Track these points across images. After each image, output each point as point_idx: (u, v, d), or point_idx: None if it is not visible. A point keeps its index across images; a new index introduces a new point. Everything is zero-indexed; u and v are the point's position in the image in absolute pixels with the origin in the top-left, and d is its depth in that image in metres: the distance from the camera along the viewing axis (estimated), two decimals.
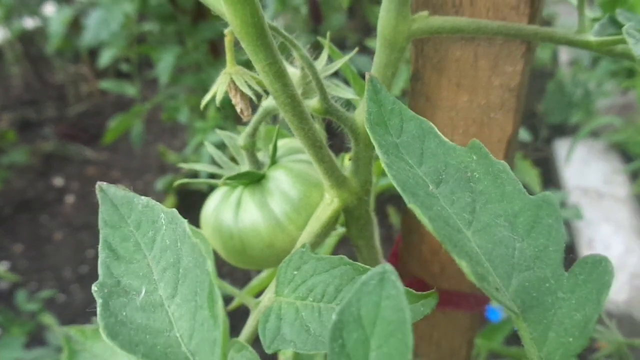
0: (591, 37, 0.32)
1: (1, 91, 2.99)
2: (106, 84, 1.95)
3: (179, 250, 0.24)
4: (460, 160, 0.28)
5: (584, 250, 1.67)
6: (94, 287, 0.25)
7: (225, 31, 0.33)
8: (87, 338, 0.46)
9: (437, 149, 0.28)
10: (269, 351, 0.30)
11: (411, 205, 0.24)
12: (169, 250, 0.25)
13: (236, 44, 0.35)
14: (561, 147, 2.07)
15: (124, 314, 0.24)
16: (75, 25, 2.19)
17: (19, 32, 2.62)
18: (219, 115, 1.79)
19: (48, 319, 1.25)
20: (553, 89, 2.11)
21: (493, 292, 0.24)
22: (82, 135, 2.64)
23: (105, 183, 0.28)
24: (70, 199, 2.33)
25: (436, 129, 0.29)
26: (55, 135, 2.63)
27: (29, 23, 2.71)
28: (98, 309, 0.23)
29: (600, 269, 0.23)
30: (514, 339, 1.00)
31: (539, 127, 2.25)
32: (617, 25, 0.33)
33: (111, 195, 0.27)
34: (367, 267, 0.29)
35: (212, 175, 0.45)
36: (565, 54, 2.42)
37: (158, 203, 0.26)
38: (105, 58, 1.87)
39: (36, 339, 1.66)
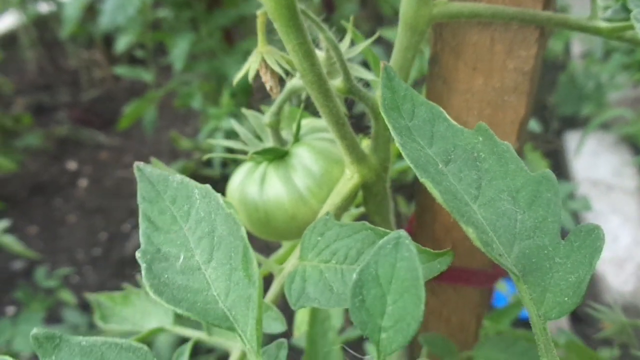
0: (602, 23, 0.34)
1: (16, 75, 3.02)
2: (121, 70, 1.97)
3: (214, 221, 0.26)
4: (467, 142, 0.30)
5: None
6: (137, 254, 0.27)
7: (258, 12, 0.35)
8: (116, 304, 0.49)
9: (446, 131, 0.31)
10: (295, 308, 0.32)
11: (423, 180, 0.27)
12: (204, 222, 0.27)
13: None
14: (572, 139, 2.08)
15: (166, 276, 0.26)
16: (90, 11, 2.21)
17: (34, 17, 2.65)
18: (233, 102, 1.81)
19: (66, 295, 1.29)
20: (565, 81, 2.10)
21: (497, 256, 0.26)
22: (95, 121, 2.67)
23: (142, 163, 0.30)
24: (83, 182, 2.37)
25: (445, 113, 0.32)
26: (69, 120, 2.66)
27: (44, 7, 2.74)
28: (143, 272, 0.26)
29: (593, 236, 0.26)
30: (519, 323, 1.02)
31: (550, 119, 2.26)
32: (629, 12, 0.35)
33: (148, 174, 0.29)
34: (388, 231, 0.31)
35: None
36: (577, 46, 2.41)
37: (192, 180, 0.29)
38: (122, 44, 1.89)
39: (52, 317, 1.70)
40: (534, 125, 1.58)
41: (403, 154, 0.28)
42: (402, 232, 0.23)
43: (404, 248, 0.22)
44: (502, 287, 1.07)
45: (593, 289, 1.62)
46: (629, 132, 1.94)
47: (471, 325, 0.57)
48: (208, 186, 0.28)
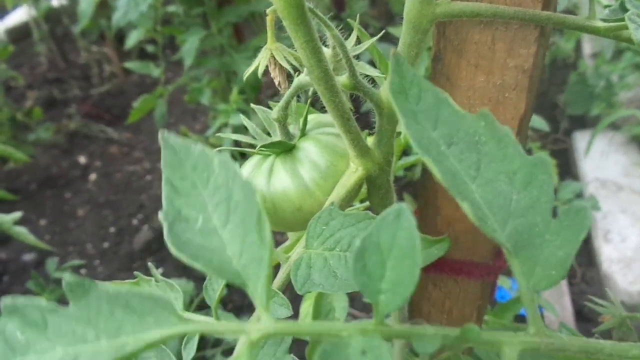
0: (600, 23, 0.35)
1: (28, 69, 3.06)
2: (131, 65, 1.99)
3: (231, 188, 0.28)
4: (470, 126, 0.31)
5: (600, 242, 1.68)
6: (160, 214, 0.28)
7: (267, 10, 0.36)
8: None
9: (450, 116, 0.32)
10: (300, 292, 0.34)
11: (424, 158, 0.28)
12: (222, 188, 0.28)
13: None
14: (581, 139, 2.07)
15: (186, 236, 0.27)
16: (100, 5, 2.24)
17: (46, 11, 2.67)
18: (242, 99, 1.83)
19: None
20: (575, 81, 2.10)
21: (490, 231, 0.28)
22: (106, 115, 2.69)
23: (166, 131, 0.31)
24: (93, 176, 2.39)
25: (450, 98, 0.33)
26: (79, 114, 2.69)
27: (56, 1, 2.76)
28: (165, 231, 0.27)
29: (582, 215, 0.28)
30: (520, 319, 1.04)
31: (560, 118, 2.25)
32: (626, 11, 0.36)
33: (172, 142, 0.30)
34: None
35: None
36: (588, 46, 2.40)
37: (212, 150, 0.30)
38: (132, 39, 1.91)
39: None
40: (543, 124, 1.58)
41: (408, 134, 0.29)
42: (404, 205, 0.25)
43: (405, 219, 0.24)
44: (505, 283, 1.08)
45: (601, 288, 1.63)
46: (639, 132, 1.94)
47: (472, 318, 0.58)
48: (227, 155, 0.29)
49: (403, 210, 0.24)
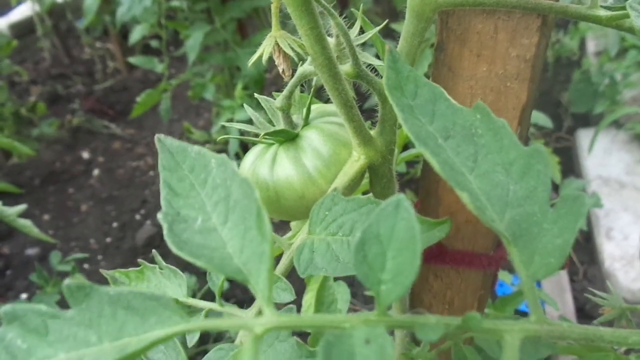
0: (601, 12, 0.35)
1: (31, 64, 3.06)
2: (135, 60, 1.99)
3: (229, 187, 0.28)
4: (466, 119, 0.32)
5: (602, 240, 1.68)
6: (159, 215, 0.29)
7: None
8: (131, 280, 0.51)
9: (446, 110, 0.32)
10: (302, 275, 0.34)
11: (422, 151, 0.29)
12: (220, 188, 0.29)
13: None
14: (585, 136, 2.07)
15: (185, 236, 0.28)
16: (105, 1, 2.24)
17: (50, 6, 2.68)
18: (245, 94, 1.83)
19: (80, 278, 1.32)
20: (578, 79, 2.10)
21: (489, 221, 0.28)
22: (109, 111, 2.70)
23: (162, 135, 0.32)
24: (96, 172, 2.40)
25: (446, 93, 0.33)
26: (82, 110, 2.70)
27: None
28: (165, 232, 0.27)
29: (578, 203, 0.28)
30: (523, 314, 1.04)
31: (563, 116, 2.25)
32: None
33: (168, 144, 0.31)
34: None
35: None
36: (592, 44, 2.40)
37: (209, 150, 0.30)
38: (136, 34, 1.92)
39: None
40: (546, 121, 1.58)
41: (405, 128, 0.30)
42: (402, 196, 0.25)
43: (404, 210, 0.24)
44: (506, 278, 1.08)
45: (603, 285, 1.63)
46: None
47: (474, 308, 0.58)
48: (224, 155, 0.29)
49: (402, 201, 0.25)
